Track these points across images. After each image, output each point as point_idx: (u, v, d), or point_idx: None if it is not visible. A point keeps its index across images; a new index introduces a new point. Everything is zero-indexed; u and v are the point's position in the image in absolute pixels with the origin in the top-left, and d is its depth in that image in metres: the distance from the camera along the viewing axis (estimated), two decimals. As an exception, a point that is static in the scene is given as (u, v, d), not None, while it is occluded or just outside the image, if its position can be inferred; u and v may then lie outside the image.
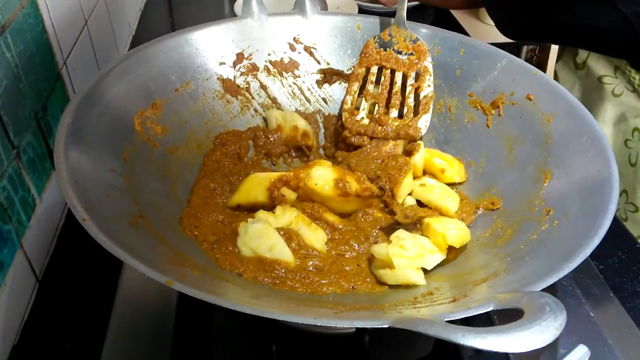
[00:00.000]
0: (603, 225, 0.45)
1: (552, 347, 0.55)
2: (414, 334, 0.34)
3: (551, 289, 0.60)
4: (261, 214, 0.56)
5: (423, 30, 0.72)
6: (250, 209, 0.60)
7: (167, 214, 0.56)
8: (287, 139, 0.71)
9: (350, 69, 0.75)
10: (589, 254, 0.43)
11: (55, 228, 0.67)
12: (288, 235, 0.54)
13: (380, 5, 1.30)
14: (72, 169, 0.47)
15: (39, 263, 0.62)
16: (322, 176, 0.59)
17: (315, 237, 0.56)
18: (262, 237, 0.52)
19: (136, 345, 0.54)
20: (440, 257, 0.54)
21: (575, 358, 0.52)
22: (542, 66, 1.70)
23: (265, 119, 0.73)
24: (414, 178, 0.64)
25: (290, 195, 0.60)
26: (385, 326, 0.36)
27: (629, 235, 0.71)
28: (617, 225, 0.72)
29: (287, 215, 0.56)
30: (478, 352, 0.54)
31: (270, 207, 0.59)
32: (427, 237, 0.56)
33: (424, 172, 0.67)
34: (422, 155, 0.66)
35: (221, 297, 0.37)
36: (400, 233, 0.54)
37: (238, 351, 0.54)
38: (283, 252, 0.53)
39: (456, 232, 0.56)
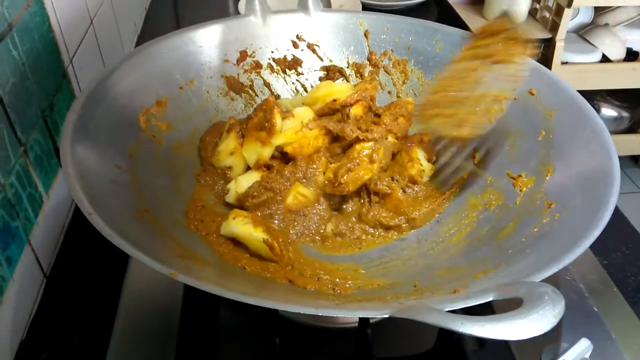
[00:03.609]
0: (604, 218, 0.45)
1: (555, 340, 0.55)
2: (416, 326, 0.34)
3: (554, 284, 0.61)
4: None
5: (425, 26, 0.72)
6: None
7: (172, 208, 0.57)
8: None
9: (352, 65, 0.75)
10: (588, 246, 0.43)
11: (62, 224, 0.68)
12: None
13: (385, 2, 1.30)
14: (78, 164, 0.47)
15: (47, 259, 0.63)
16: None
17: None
18: None
19: (142, 340, 0.55)
20: None
21: (577, 351, 0.53)
22: (547, 63, 1.69)
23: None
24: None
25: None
26: (386, 315, 0.37)
27: (633, 230, 0.71)
28: (621, 220, 0.72)
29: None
30: (481, 345, 0.55)
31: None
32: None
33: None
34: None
35: (224, 289, 0.38)
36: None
37: (242, 344, 0.55)
38: None
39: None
